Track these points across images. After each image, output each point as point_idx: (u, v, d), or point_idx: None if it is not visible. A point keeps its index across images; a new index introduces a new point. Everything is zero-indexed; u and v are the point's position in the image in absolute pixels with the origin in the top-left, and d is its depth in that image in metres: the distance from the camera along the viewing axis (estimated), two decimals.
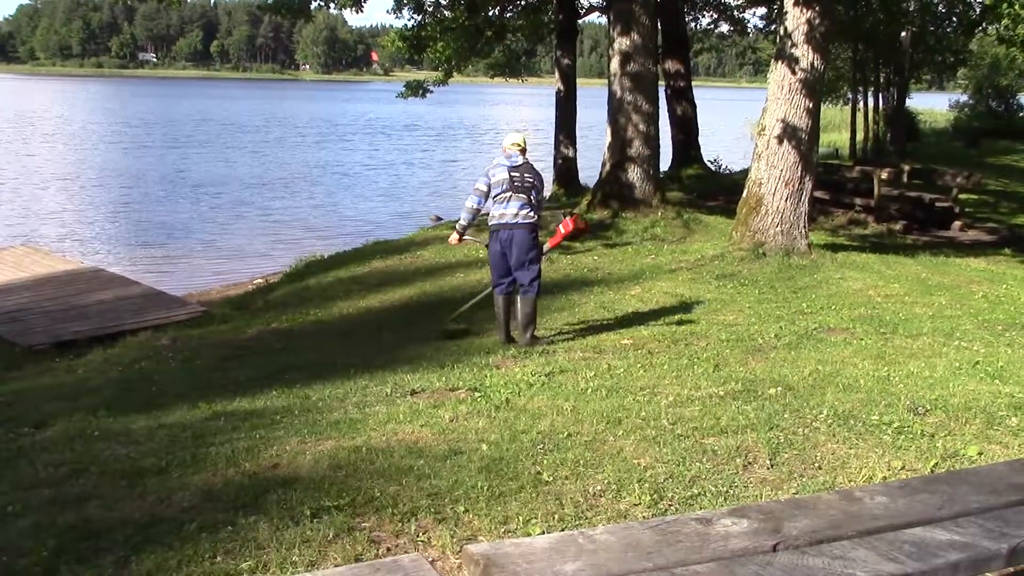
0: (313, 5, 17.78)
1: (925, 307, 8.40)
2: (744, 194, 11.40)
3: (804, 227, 11.05)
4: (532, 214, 7.24)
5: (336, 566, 2.88)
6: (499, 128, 50.22)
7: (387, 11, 19.77)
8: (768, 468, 3.86)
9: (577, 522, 3.28)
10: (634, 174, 14.01)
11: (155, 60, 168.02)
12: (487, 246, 7.59)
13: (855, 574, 2.08)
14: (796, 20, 10.68)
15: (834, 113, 33.32)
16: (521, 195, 7.22)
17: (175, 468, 3.92)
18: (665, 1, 17.80)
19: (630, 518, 3.31)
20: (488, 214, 7.37)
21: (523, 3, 19.86)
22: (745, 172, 11.90)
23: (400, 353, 7.36)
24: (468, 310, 8.60)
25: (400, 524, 3.25)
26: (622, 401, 4.88)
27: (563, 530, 3.11)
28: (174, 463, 3.99)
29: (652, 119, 14.18)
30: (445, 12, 19.22)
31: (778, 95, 10.89)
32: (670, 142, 21.79)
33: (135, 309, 11.38)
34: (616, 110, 14.09)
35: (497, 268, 7.43)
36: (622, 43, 13.88)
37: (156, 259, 16.99)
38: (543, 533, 3.10)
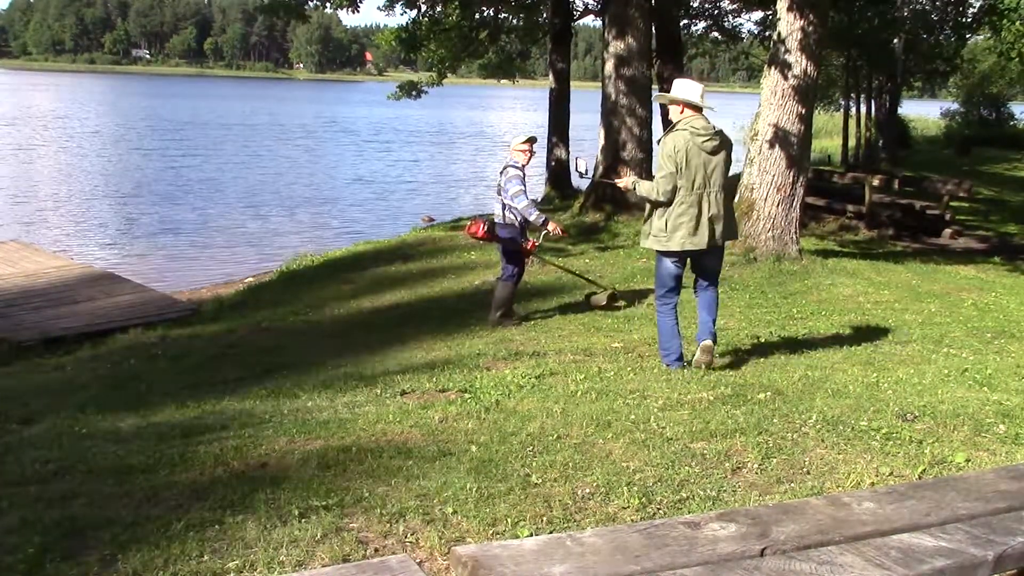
0: (309, 5, 17.74)
1: (915, 314, 8.43)
2: (736, 199, 11.42)
3: (795, 233, 11.09)
4: (502, 214, 8.00)
5: (324, 566, 2.87)
6: (499, 131, 50.23)
7: (378, 8, 19.71)
8: (757, 473, 3.87)
9: (565, 524, 3.28)
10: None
11: (148, 57, 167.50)
12: None
13: None
14: (790, 26, 10.71)
15: (826, 119, 33.46)
16: (497, 197, 8.07)
17: (163, 466, 3.91)
18: (660, 5, 17.83)
19: (618, 521, 3.31)
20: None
21: (516, 2, 19.83)
22: (737, 177, 11.92)
23: (390, 353, 7.36)
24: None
25: (388, 525, 3.24)
26: (612, 404, 4.88)
27: (551, 532, 3.11)
28: (162, 461, 3.97)
29: (645, 123, 14.22)
30: (438, 8, 19.18)
31: (771, 101, 10.93)
32: None
33: (125, 307, 11.35)
34: (609, 113, 14.12)
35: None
36: (616, 46, 13.92)
37: (146, 257, 16.94)
38: (531, 535, 3.10)
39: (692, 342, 6.28)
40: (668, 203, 5.68)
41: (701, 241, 5.72)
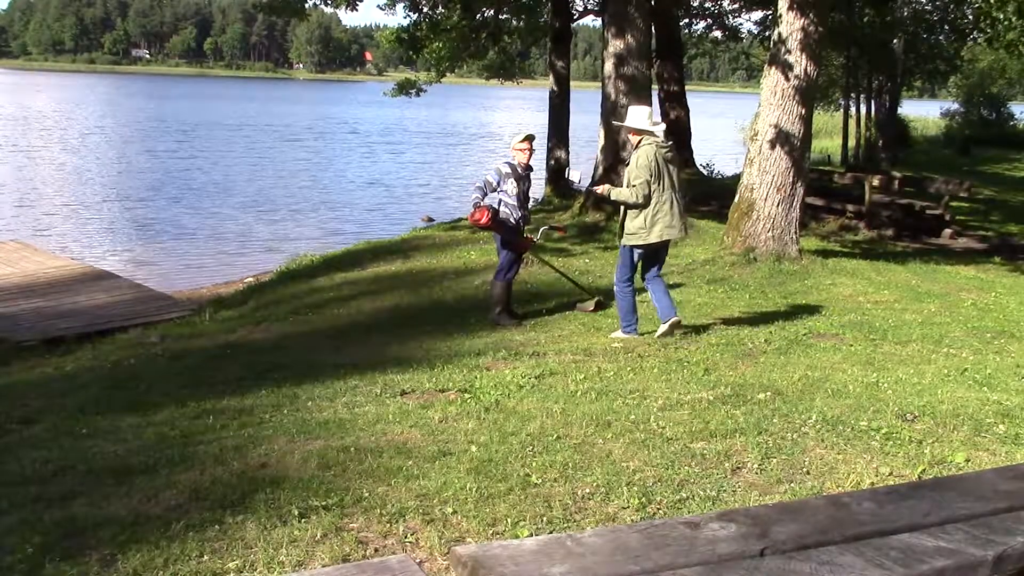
0: (309, 4, 17.73)
1: (915, 314, 8.43)
2: (736, 199, 11.43)
3: (795, 233, 11.08)
4: (498, 208, 8.19)
5: (324, 566, 2.87)
6: (507, 132, 50.20)
7: (378, 6, 19.70)
8: (757, 473, 3.87)
9: (565, 525, 3.28)
10: None
11: (148, 57, 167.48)
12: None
13: None
14: (790, 26, 10.72)
15: (826, 119, 33.42)
16: (492, 194, 8.24)
17: (163, 466, 3.91)
18: (659, 5, 17.85)
19: (618, 521, 3.31)
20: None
21: (517, 3, 19.82)
22: (737, 177, 11.93)
23: (390, 354, 7.35)
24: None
25: (388, 525, 3.24)
26: (611, 404, 4.88)
27: (551, 532, 3.11)
28: (162, 461, 3.97)
29: None
30: (440, 9, 19.18)
31: (771, 100, 10.93)
32: None
33: (125, 307, 11.34)
34: (609, 113, 14.11)
35: None
36: (616, 45, 13.90)
37: (146, 257, 16.93)
38: (531, 535, 3.10)
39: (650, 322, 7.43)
40: (646, 205, 6.90)
41: (675, 232, 7.05)
